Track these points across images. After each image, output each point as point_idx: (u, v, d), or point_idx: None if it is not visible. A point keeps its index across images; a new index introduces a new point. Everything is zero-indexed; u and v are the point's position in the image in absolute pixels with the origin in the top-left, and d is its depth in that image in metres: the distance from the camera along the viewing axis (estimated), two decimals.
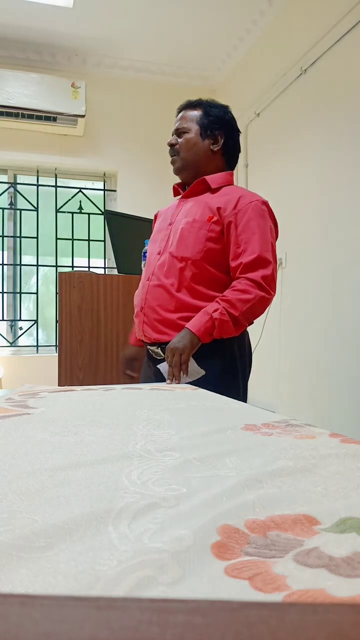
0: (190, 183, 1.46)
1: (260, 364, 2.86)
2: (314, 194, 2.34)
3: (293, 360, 2.49)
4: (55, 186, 3.38)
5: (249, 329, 1.38)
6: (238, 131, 1.47)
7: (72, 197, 3.41)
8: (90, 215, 3.42)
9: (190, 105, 1.46)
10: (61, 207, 3.38)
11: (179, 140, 1.43)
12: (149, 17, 2.77)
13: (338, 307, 2.15)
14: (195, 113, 1.43)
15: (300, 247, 2.42)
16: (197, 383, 1.22)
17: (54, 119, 3.08)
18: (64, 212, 3.39)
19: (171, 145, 1.45)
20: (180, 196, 1.51)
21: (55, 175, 3.39)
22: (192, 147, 1.42)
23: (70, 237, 3.39)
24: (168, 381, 1.25)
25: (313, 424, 0.67)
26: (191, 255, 1.33)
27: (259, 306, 1.29)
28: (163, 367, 1.33)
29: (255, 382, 2.98)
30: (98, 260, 3.49)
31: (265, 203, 1.37)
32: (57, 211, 3.37)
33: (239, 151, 1.49)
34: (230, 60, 3.19)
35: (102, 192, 3.51)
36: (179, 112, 1.48)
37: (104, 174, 3.50)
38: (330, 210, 2.22)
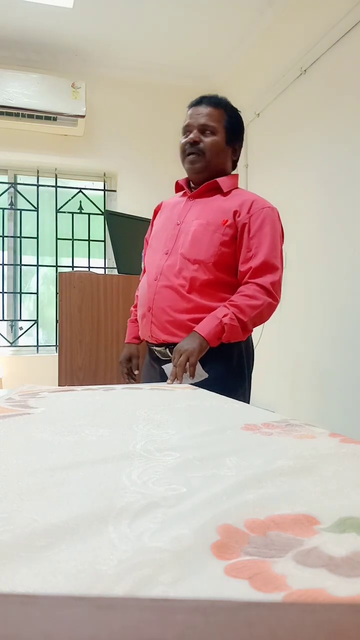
0: (198, 183, 1.42)
1: (260, 364, 2.85)
2: (314, 193, 2.34)
3: (293, 360, 2.49)
4: (56, 186, 3.38)
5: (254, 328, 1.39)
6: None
7: (72, 197, 3.41)
8: (91, 216, 3.42)
9: (214, 102, 1.37)
10: (61, 207, 3.38)
11: (205, 139, 1.35)
12: (149, 17, 2.77)
13: (338, 307, 2.15)
14: (221, 114, 1.36)
15: (301, 247, 2.42)
16: (204, 385, 1.22)
17: (54, 119, 3.07)
18: (64, 212, 3.39)
19: (194, 143, 1.35)
20: (183, 193, 1.48)
21: (56, 175, 3.39)
22: (220, 153, 1.37)
23: (71, 237, 3.39)
24: (169, 381, 1.25)
25: (313, 424, 0.67)
26: (204, 258, 1.31)
27: (266, 312, 1.31)
28: (168, 367, 1.33)
29: (255, 382, 2.97)
30: (98, 260, 3.49)
31: (276, 210, 1.38)
32: (57, 211, 3.37)
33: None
34: (230, 60, 3.18)
35: (102, 192, 3.51)
36: (199, 104, 1.37)
37: (104, 174, 3.50)
38: (330, 210, 2.22)
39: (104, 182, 3.51)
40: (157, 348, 1.39)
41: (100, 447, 0.53)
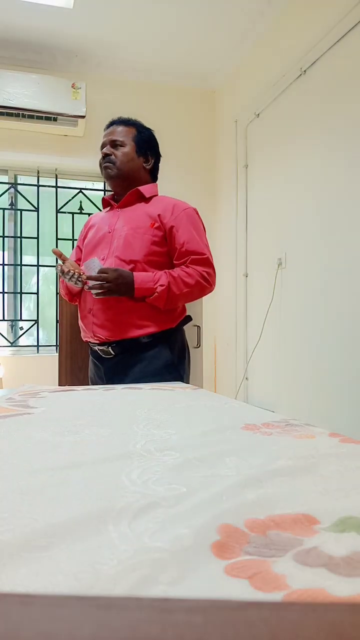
0: (120, 193, 1.57)
1: (260, 364, 2.86)
2: (313, 194, 2.34)
3: (293, 360, 2.49)
4: (56, 186, 3.38)
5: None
6: (160, 154, 1.63)
7: (72, 198, 3.40)
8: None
9: (124, 121, 1.57)
10: (62, 207, 3.38)
11: (115, 151, 1.53)
12: (149, 18, 2.77)
13: (338, 307, 2.15)
14: (131, 130, 1.55)
15: (300, 247, 2.42)
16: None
17: (55, 120, 3.07)
18: (65, 212, 3.38)
19: (106, 155, 1.53)
20: (110, 207, 1.62)
21: (56, 175, 3.38)
22: (130, 161, 1.53)
23: (71, 238, 3.39)
24: (85, 276, 1.39)
25: (313, 424, 0.67)
26: (138, 258, 1.45)
27: (197, 292, 1.45)
28: (93, 263, 1.43)
29: (255, 382, 2.98)
30: None
31: (196, 210, 1.54)
32: (57, 211, 3.37)
33: (158, 170, 1.64)
34: (230, 60, 3.18)
35: (103, 192, 3.51)
36: (111, 125, 1.57)
37: None
38: (330, 210, 2.21)
39: (104, 182, 3.51)
40: (101, 347, 1.47)
41: (100, 447, 0.53)
